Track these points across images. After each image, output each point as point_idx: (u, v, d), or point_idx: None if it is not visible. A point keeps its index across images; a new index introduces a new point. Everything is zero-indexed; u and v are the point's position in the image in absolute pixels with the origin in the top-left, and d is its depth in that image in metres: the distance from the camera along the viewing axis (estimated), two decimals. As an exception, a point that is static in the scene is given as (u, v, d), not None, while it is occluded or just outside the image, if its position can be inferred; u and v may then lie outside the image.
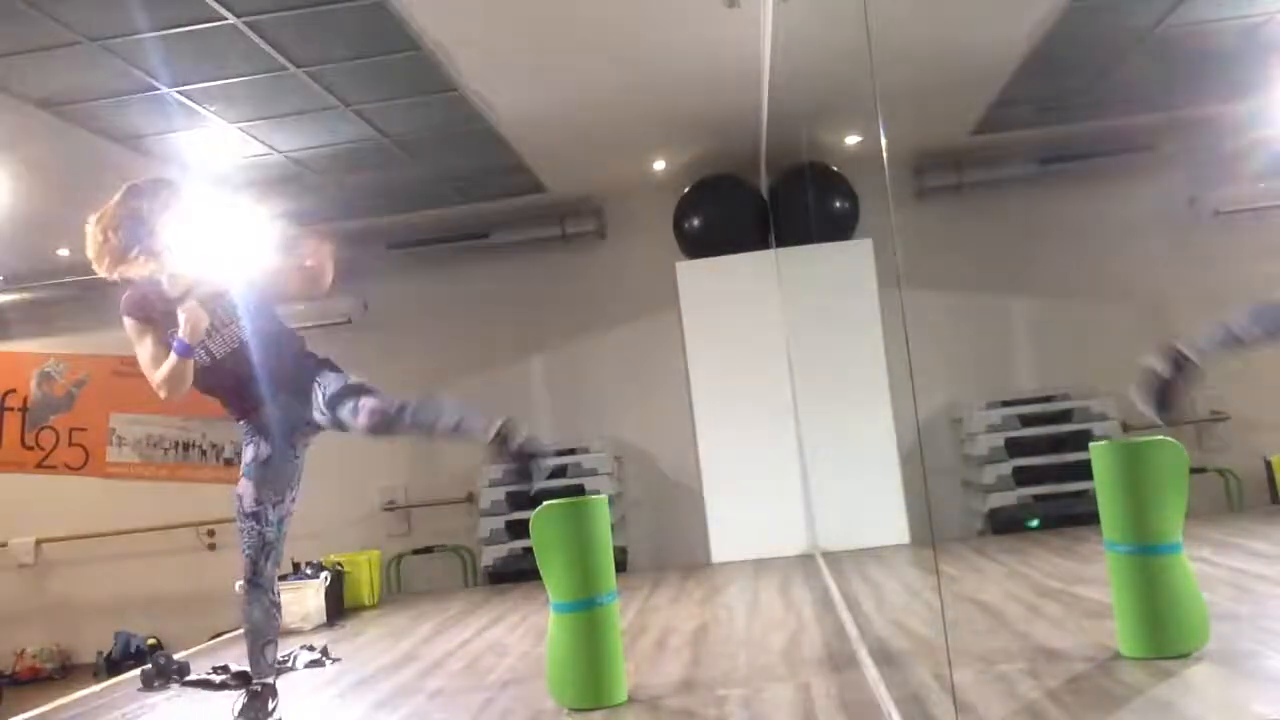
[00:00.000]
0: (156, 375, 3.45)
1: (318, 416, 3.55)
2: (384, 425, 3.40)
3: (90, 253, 3.43)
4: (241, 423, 3.67)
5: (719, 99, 6.51)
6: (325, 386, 3.53)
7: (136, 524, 8.77)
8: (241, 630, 3.74)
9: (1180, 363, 3.03)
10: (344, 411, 3.45)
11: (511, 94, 6.17)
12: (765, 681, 3.80)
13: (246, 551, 3.59)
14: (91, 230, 3.42)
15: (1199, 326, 3.11)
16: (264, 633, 3.63)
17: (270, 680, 3.66)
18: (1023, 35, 5.89)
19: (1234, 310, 3.05)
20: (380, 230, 8.33)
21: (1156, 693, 2.98)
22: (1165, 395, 3.06)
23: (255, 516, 3.58)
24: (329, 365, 3.64)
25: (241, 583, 3.60)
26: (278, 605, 3.66)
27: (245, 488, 3.61)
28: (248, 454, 3.64)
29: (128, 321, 3.51)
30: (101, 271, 3.44)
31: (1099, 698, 3.03)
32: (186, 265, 3.49)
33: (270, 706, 3.62)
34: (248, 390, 3.57)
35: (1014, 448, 7.46)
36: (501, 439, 3.35)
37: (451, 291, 8.64)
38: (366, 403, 3.42)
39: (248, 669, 3.77)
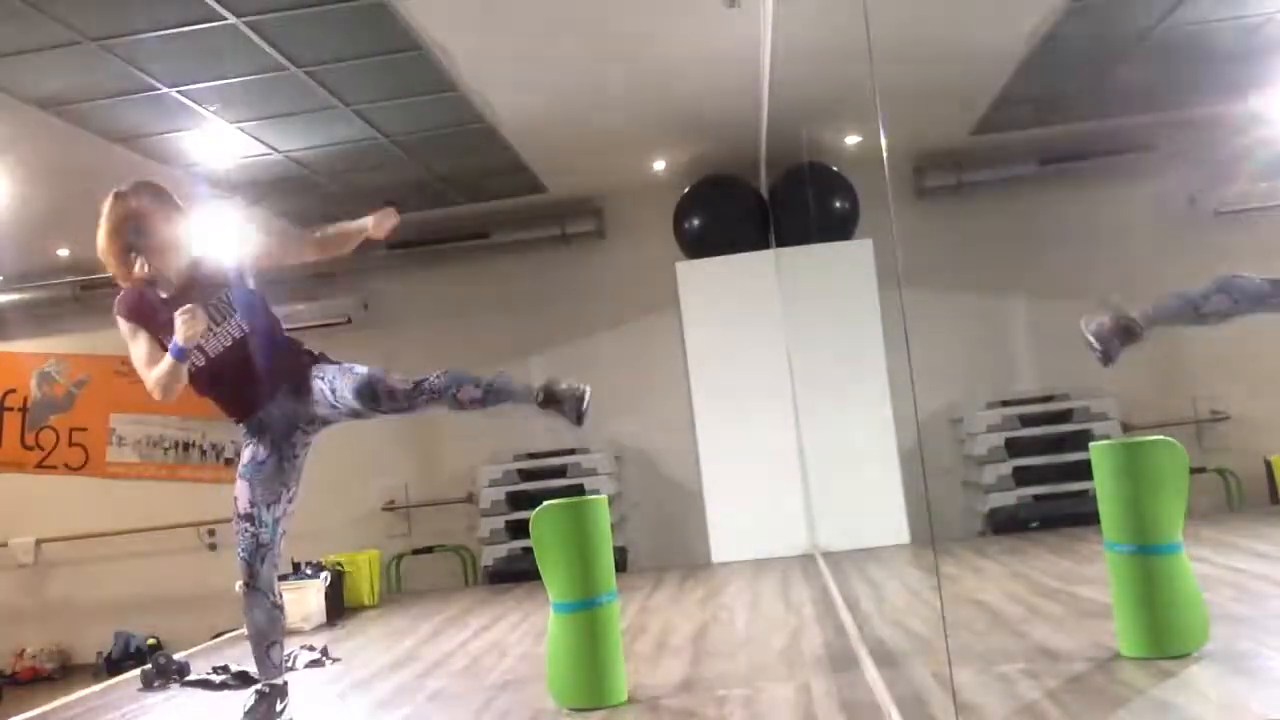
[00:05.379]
0: (150, 376, 3.42)
1: (325, 410, 3.54)
2: (369, 389, 3.41)
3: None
4: (241, 424, 3.65)
5: (719, 99, 6.51)
6: (329, 378, 3.51)
7: (137, 524, 8.77)
8: (243, 630, 3.73)
9: (1120, 318, 3.42)
10: (345, 389, 3.47)
11: (511, 94, 6.17)
12: (765, 681, 3.80)
13: (241, 554, 3.55)
14: (98, 243, 3.48)
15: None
16: (268, 635, 3.60)
17: (279, 681, 3.65)
18: (1023, 35, 5.89)
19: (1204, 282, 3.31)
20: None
21: (1156, 693, 2.98)
22: (1104, 334, 3.42)
23: (249, 518, 3.54)
24: (326, 359, 3.63)
25: (241, 584, 3.59)
26: (280, 607, 3.62)
27: (240, 489, 3.58)
28: (245, 454, 3.61)
29: (120, 322, 3.49)
30: (118, 279, 3.49)
31: (1099, 698, 3.03)
32: (179, 265, 3.50)
33: (279, 707, 3.60)
34: (245, 389, 3.54)
35: (1014, 448, 7.46)
36: (547, 389, 3.44)
37: (451, 291, 8.64)
38: (361, 370, 3.46)
39: (248, 669, 3.75)
